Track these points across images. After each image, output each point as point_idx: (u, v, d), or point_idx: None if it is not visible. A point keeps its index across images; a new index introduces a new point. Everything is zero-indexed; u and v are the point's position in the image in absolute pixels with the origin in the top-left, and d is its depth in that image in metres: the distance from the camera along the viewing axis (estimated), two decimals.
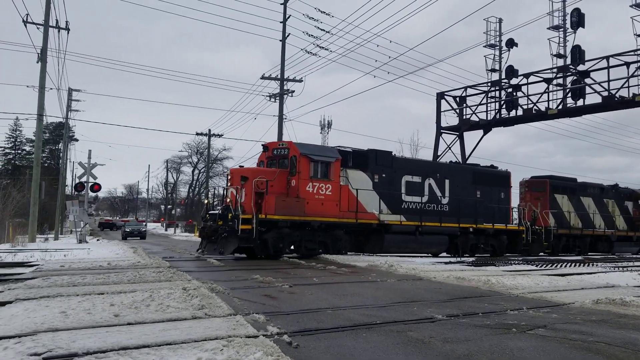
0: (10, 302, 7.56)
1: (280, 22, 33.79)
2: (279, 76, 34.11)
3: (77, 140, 60.98)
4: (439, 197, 22.23)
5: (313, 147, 19.27)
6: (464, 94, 34.83)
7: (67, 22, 27.23)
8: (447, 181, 22.55)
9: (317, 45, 33.71)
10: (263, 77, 34.17)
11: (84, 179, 30.07)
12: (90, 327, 6.03)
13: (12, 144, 62.80)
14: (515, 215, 26.61)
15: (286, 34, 33.69)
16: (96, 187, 30.66)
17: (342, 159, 19.23)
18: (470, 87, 34.66)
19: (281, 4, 33.72)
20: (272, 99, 34.92)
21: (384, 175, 20.53)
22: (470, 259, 21.58)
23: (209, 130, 52.61)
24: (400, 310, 7.57)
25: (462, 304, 8.46)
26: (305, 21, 34.00)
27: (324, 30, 34.30)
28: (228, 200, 18.07)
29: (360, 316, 7.03)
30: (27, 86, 26.71)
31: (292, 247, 18.47)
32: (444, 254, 23.01)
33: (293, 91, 34.42)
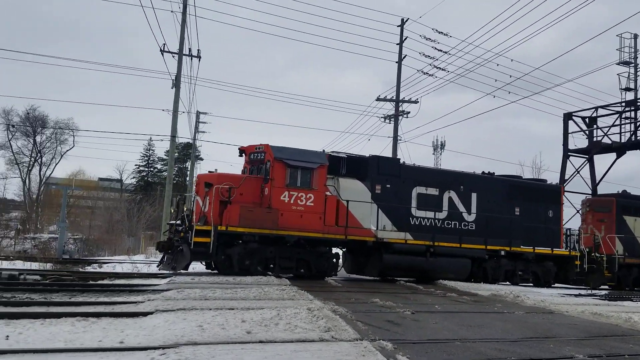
0: (151, 313, 8.11)
1: (397, 44, 33.84)
2: (393, 97, 34.09)
3: (202, 159, 65.00)
4: (462, 213, 18.95)
5: (293, 150, 16.91)
6: (594, 114, 32.53)
7: (198, 50, 29.23)
8: (473, 195, 19.19)
9: (434, 66, 33.33)
10: (378, 99, 34.29)
11: None
12: (226, 342, 6.29)
13: (146, 162, 68.22)
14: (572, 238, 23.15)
15: (402, 56, 33.67)
16: None
17: (331, 166, 16.76)
18: (602, 107, 32.30)
19: (398, 26, 33.82)
20: (387, 121, 34.93)
21: (388, 185, 17.76)
22: (602, 292, 19.85)
23: (323, 150, 53.48)
24: (535, 347, 7.11)
25: (603, 343, 7.78)
26: (421, 42, 33.65)
27: (441, 50, 33.84)
28: (186, 209, 16.17)
29: (491, 350, 6.69)
30: (163, 110, 29.24)
31: (267, 265, 15.96)
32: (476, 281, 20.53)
33: (408, 112, 34.22)
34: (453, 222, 18.71)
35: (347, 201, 16.64)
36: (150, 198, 51.46)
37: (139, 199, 52.28)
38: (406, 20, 33.85)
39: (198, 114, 46.55)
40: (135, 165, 68.91)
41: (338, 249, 17.54)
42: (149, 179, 68.16)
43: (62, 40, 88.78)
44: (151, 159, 68.51)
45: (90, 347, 5.89)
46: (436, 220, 18.40)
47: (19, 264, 17.00)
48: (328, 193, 16.47)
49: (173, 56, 28.07)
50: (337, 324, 7.62)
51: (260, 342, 6.39)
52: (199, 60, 29.38)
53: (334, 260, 16.88)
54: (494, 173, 20.49)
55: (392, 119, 34.40)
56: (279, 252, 15.85)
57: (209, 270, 16.93)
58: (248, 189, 15.89)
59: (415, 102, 33.94)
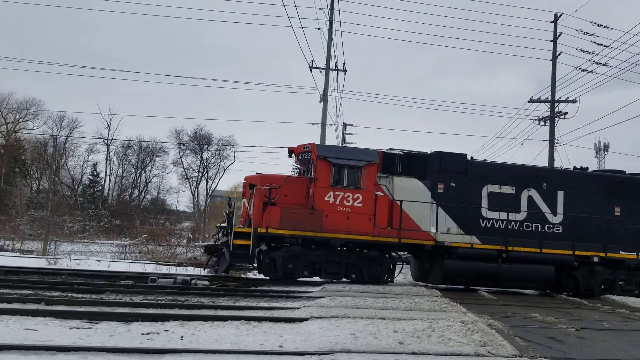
0: (306, 319, 8.47)
1: (550, 41, 31.71)
2: (548, 97, 31.92)
3: None
4: (546, 214, 16.68)
5: (340, 149, 15.74)
6: None
7: (344, 63, 29.98)
8: (560, 193, 16.88)
9: (594, 62, 30.61)
10: (531, 100, 32.32)
11: None
12: (379, 352, 6.36)
13: (298, 173, 71.56)
14: None
15: (557, 53, 31.46)
16: None
17: (385, 165, 15.67)
18: None
19: (551, 22, 31.69)
20: (542, 123, 32.78)
21: (452, 184, 16.18)
22: None
23: (472, 157, 51.66)
24: None
25: None
26: (578, 37, 31.15)
27: (601, 44, 31.02)
28: (229, 211, 15.43)
29: None
30: (312, 123, 30.58)
31: (314, 270, 15.22)
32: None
33: (566, 113, 31.79)
34: (534, 225, 16.56)
35: (401, 201, 15.41)
36: None
37: None
38: (560, 15, 31.62)
39: (344, 125, 47.66)
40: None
41: (396, 253, 16.20)
42: None
43: (225, 65, 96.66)
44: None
45: (253, 350, 6.32)
46: (512, 223, 16.44)
47: (190, 270, 18.69)
48: (379, 193, 15.36)
49: (321, 71, 29.11)
50: (494, 338, 7.32)
51: (414, 353, 6.37)
52: (345, 73, 30.15)
53: (390, 265, 15.70)
54: (587, 168, 18.02)
55: (547, 121, 32.22)
56: (325, 256, 15.06)
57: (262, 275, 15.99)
58: (293, 190, 15.34)
59: (573, 101, 31.42)
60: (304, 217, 14.66)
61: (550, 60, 31.73)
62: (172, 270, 17.99)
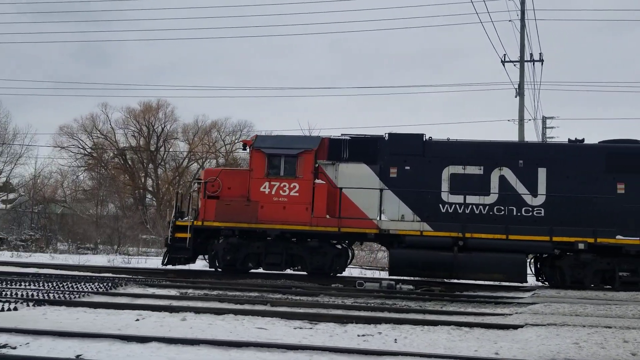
0: (520, 326, 8.13)
1: None
2: None
3: None
4: (523, 196, 14.40)
5: (276, 138, 15.54)
6: None
7: (540, 54, 28.11)
8: (541, 171, 14.45)
9: None
10: None
11: None
12: None
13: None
14: None
15: None
16: None
17: (331, 151, 14.98)
18: None
19: None
20: None
21: (407, 167, 14.79)
22: None
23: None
24: None
25: None
26: None
27: None
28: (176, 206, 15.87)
29: None
30: (508, 120, 29.03)
31: (259, 262, 15.08)
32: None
33: None
34: (507, 208, 14.37)
35: (341, 188, 14.63)
36: None
37: None
38: None
39: (544, 119, 44.51)
40: None
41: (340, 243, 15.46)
42: None
43: (415, 69, 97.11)
44: None
45: (468, 356, 6.28)
46: (480, 207, 14.47)
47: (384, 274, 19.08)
48: (319, 181, 14.68)
49: (514, 65, 27.69)
50: None
51: None
52: (542, 64, 28.23)
53: (337, 256, 15.03)
54: (583, 140, 15.04)
55: None
56: (266, 247, 14.83)
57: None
58: (237, 182, 15.27)
59: None
60: (239, 209, 14.75)
61: None
62: (376, 274, 18.56)
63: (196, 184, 16.43)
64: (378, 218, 14.67)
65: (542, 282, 15.24)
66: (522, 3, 26.78)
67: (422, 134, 15.39)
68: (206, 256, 15.89)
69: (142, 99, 53.41)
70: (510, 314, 9.49)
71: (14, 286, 11.24)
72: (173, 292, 11.53)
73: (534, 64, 28.55)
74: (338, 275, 15.31)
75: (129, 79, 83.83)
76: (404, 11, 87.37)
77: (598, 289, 13.65)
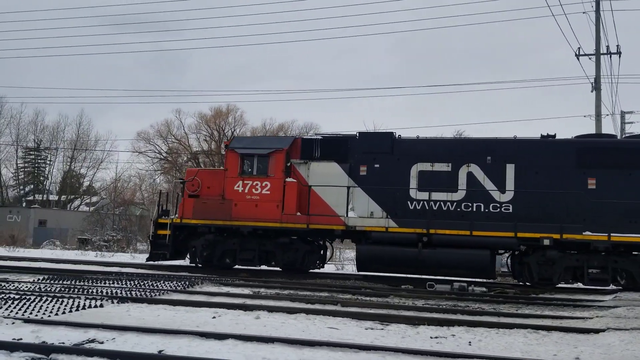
0: (602, 330, 7.79)
1: None
2: None
3: None
4: (491, 192, 14.41)
5: (251, 139, 16.61)
6: None
7: (617, 46, 26.73)
8: (509, 167, 14.43)
9: None
10: None
11: None
12: None
13: None
14: None
15: None
16: None
17: (302, 150, 15.61)
18: None
19: None
20: None
21: (377, 165, 15.10)
22: None
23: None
24: None
25: None
26: None
27: None
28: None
29: None
30: (584, 116, 27.64)
31: (235, 258, 15.90)
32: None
33: None
34: (475, 204, 14.38)
35: (310, 186, 15.21)
36: None
37: None
38: None
39: (622, 113, 42.24)
40: None
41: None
42: None
43: (478, 67, 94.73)
44: None
45: None
46: (448, 203, 14.56)
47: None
48: (290, 179, 15.29)
49: (590, 58, 26.47)
50: None
51: None
52: (619, 56, 26.82)
53: (310, 252, 15.65)
54: (555, 135, 14.81)
55: None
56: (240, 243, 15.57)
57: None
58: (216, 182, 16.01)
59: None
60: (215, 207, 15.54)
61: None
62: None
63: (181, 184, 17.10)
64: (345, 215, 15.01)
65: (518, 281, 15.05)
66: None
67: (392, 133, 15.78)
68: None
69: (213, 104, 55.29)
70: (590, 318, 9.10)
71: (99, 284, 11.92)
72: (246, 291, 11.83)
73: (610, 57, 27.20)
74: (314, 271, 16.13)
75: (201, 85, 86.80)
76: (469, 7, 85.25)
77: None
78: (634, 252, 13.62)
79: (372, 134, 16.45)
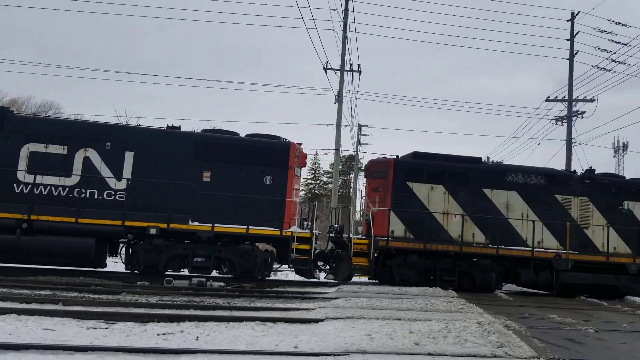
0: (321, 320, 8.44)
1: (567, 40, 31.37)
2: (565, 97, 31.57)
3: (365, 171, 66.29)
4: (107, 179, 14.18)
5: None
6: None
7: (359, 65, 29.95)
8: (128, 155, 14.38)
9: (612, 60, 30.24)
10: (548, 100, 31.98)
11: None
12: (394, 352, 6.32)
13: (313, 175, 71.51)
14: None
15: (574, 52, 31.10)
16: None
17: None
18: None
19: (568, 21, 31.35)
20: (559, 122, 32.43)
21: None
22: None
23: (487, 158, 51.32)
24: None
25: None
26: (596, 35, 30.87)
27: (619, 42, 30.61)
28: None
29: None
30: (327, 125, 30.54)
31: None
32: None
33: (583, 112, 31.40)
34: (89, 191, 14.02)
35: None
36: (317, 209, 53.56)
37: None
38: (577, 14, 31.31)
39: (360, 126, 47.56)
40: (304, 178, 72.57)
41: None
42: (316, 191, 71.19)
43: (246, 67, 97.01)
44: (317, 172, 71.57)
45: (268, 351, 6.31)
46: (60, 188, 13.96)
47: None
48: None
49: (335, 73, 29.12)
50: (511, 339, 7.24)
51: (430, 354, 6.32)
52: (360, 74, 30.13)
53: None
54: (180, 127, 15.23)
55: (565, 121, 31.87)
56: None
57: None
58: None
59: (591, 100, 31.03)
60: None
61: (567, 60, 31.43)
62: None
63: None
64: None
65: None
66: (345, 15, 28.27)
67: (3, 107, 14.65)
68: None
69: None
70: (314, 309, 9.82)
71: None
72: None
73: (352, 74, 30.30)
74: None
75: None
76: (244, 6, 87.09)
77: (395, 285, 14.88)
78: (237, 243, 14.52)
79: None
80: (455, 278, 15.65)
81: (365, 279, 16.21)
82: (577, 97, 31.41)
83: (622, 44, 30.60)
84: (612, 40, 30.19)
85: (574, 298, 15.70)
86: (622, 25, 30.43)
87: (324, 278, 15.91)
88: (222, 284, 13.52)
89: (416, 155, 16.87)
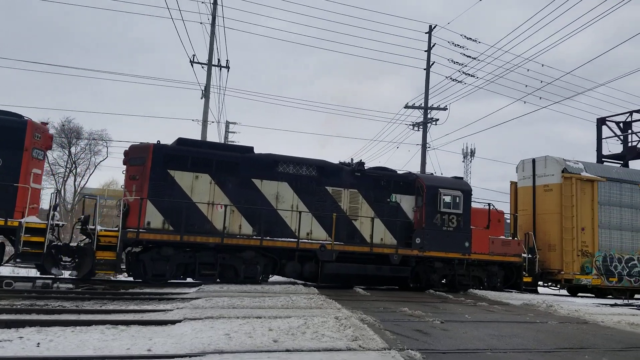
0: (179, 321, 8.15)
1: (425, 51, 33.66)
2: (422, 104, 33.87)
3: None
4: None
5: None
6: (629, 119, 31.73)
7: (227, 60, 29.54)
8: None
9: (463, 72, 33.04)
10: (407, 107, 34.09)
11: None
12: (252, 351, 6.27)
13: None
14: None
15: (430, 63, 33.46)
16: None
17: None
18: (637, 111, 31.51)
19: (426, 33, 33.64)
20: (416, 128, 34.70)
21: None
22: None
23: (352, 159, 53.37)
24: (570, 358, 6.90)
25: None
26: (450, 49, 33.46)
27: (470, 57, 33.52)
28: None
29: None
30: (193, 120, 29.65)
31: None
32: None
33: (437, 119, 33.92)
34: None
35: None
36: None
37: None
38: (434, 27, 33.69)
39: (227, 123, 46.97)
40: None
41: None
42: None
43: (99, 54, 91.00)
44: None
45: (118, 355, 5.94)
46: None
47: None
48: None
49: (202, 67, 28.42)
50: (365, 333, 7.53)
51: (287, 350, 6.35)
52: (228, 70, 29.73)
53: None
54: None
55: (421, 127, 34.15)
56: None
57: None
58: None
59: (444, 109, 33.64)
60: None
61: (424, 70, 33.68)
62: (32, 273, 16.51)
63: None
64: None
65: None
66: (214, 9, 27.74)
67: None
68: None
69: None
70: (171, 310, 9.45)
71: None
72: None
73: (220, 69, 29.80)
74: None
75: None
76: None
77: (254, 283, 14.81)
78: None
79: None
80: (216, 272, 14.85)
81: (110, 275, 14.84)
82: (432, 105, 33.82)
83: (473, 58, 33.53)
84: (464, 54, 32.96)
85: (424, 292, 16.81)
86: (473, 40, 33.31)
87: (69, 275, 14.27)
88: (71, 285, 12.55)
89: (180, 141, 15.69)
